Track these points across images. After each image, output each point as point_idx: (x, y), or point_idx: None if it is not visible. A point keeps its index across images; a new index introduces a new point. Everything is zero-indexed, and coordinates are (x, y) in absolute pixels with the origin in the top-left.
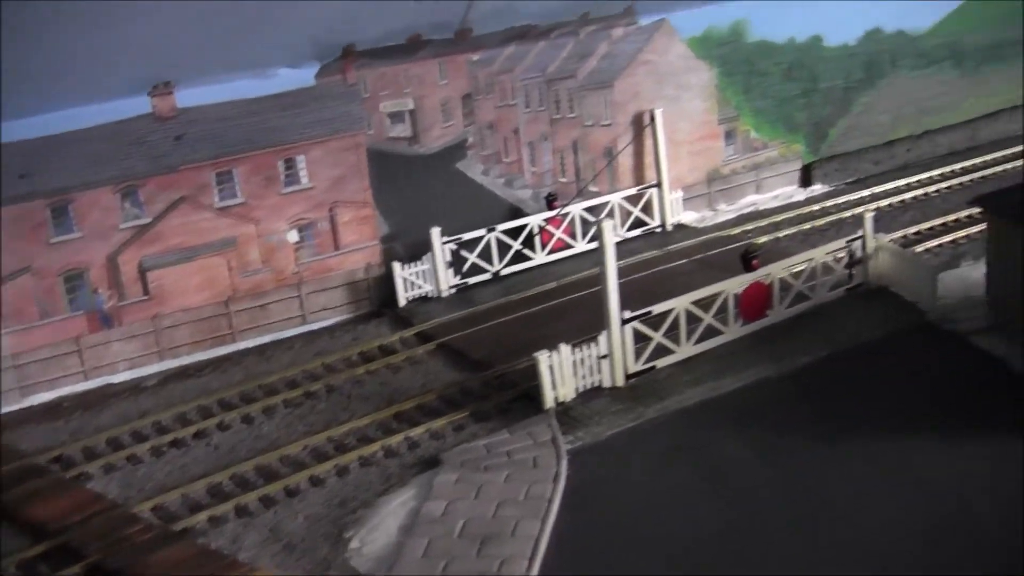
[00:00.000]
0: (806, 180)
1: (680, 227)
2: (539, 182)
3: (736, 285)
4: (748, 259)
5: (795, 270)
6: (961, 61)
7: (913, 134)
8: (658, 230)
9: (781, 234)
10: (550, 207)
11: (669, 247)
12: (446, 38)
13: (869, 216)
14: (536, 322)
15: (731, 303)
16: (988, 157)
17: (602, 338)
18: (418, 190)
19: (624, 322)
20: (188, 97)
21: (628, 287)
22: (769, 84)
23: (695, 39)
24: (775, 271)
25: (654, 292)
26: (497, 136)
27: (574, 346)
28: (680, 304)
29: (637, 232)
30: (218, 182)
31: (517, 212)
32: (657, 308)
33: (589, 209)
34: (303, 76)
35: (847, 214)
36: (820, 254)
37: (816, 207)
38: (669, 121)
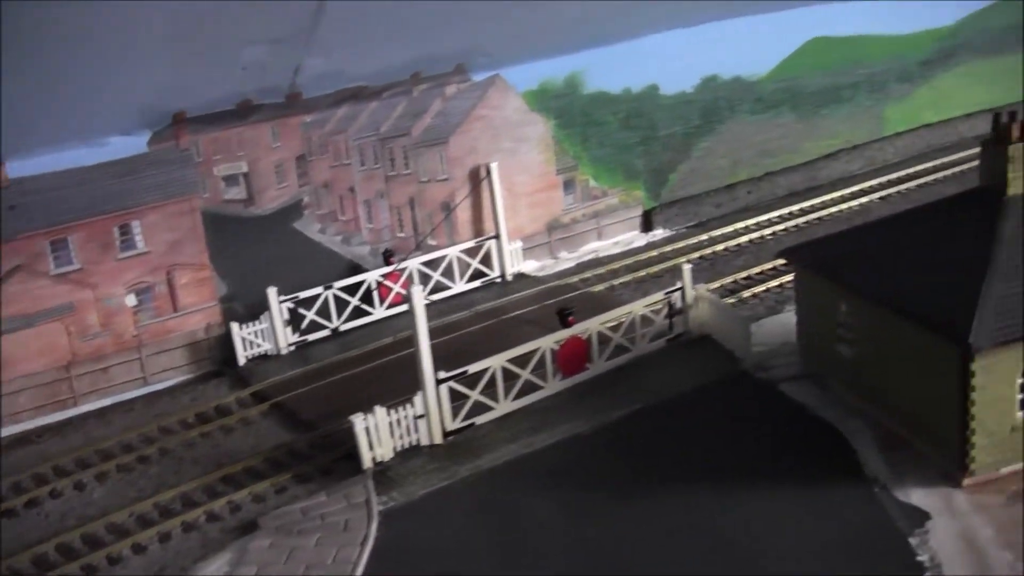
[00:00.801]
0: (647, 225)
1: (521, 276)
2: (377, 238)
3: (552, 341)
4: (564, 316)
5: (614, 323)
6: (799, 104)
7: (754, 176)
8: (498, 280)
9: (617, 282)
10: (387, 262)
11: (507, 297)
12: (277, 102)
13: (687, 268)
14: (371, 378)
15: (548, 359)
16: (826, 197)
17: (418, 399)
18: (256, 250)
19: (439, 382)
20: (20, 168)
21: (455, 342)
22: (607, 133)
23: (530, 92)
24: (592, 326)
25: (481, 347)
26: (333, 195)
27: (390, 407)
28: (496, 362)
29: (477, 283)
30: (53, 250)
31: (356, 268)
32: (472, 367)
33: (427, 263)
34: (136, 143)
35: (683, 259)
36: (639, 307)
37: (655, 252)
38: (507, 174)
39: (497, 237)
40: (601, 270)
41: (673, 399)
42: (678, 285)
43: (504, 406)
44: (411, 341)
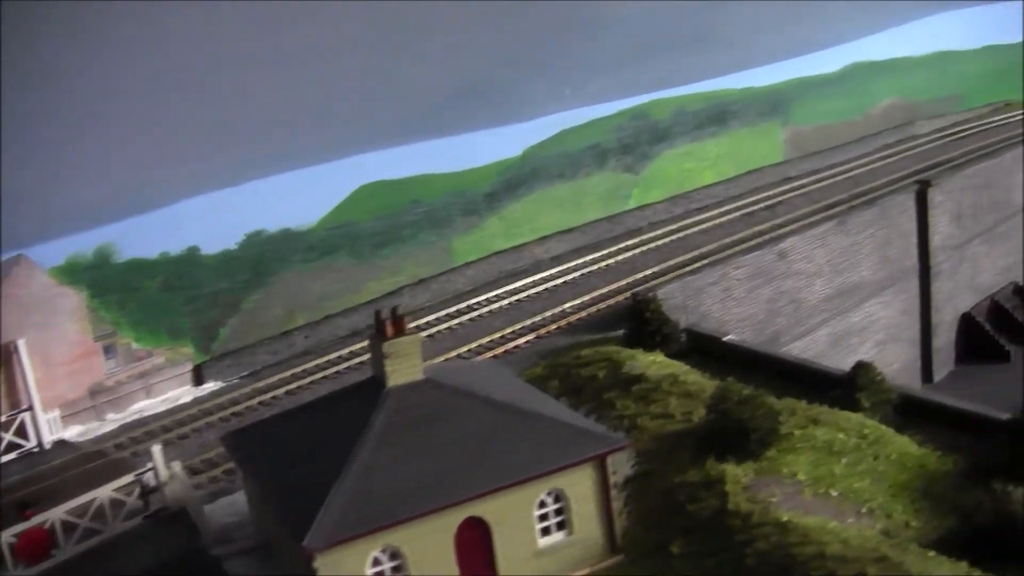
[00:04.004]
0: (199, 379)
1: (61, 443)
2: None
3: (10, 535)
4: (23, 509)
5: (82, 508)
6: (356, 248)
7: (312, 321)
8: (35, 450)
9: (152, 443)
10: None
11: (39, 468)
12: None
13: (157, 449)
14: None
15: (7, 551)
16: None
17: None
18: None
19: None
20: None
21: None
22: (146, 297)
23: (58, 268)
24: (55, 515)
25: None
26: None
27: None
28: None
29: (12, 456)
30: None
31: None
32: None
33: None
34: None
35: (214, 417)
36: (106, 491)
37: (195, 410)
38: (40, 346)
39: (31, 409)
40: (139, 432)
41: None
42: (150, 465)
43: None
44: None
